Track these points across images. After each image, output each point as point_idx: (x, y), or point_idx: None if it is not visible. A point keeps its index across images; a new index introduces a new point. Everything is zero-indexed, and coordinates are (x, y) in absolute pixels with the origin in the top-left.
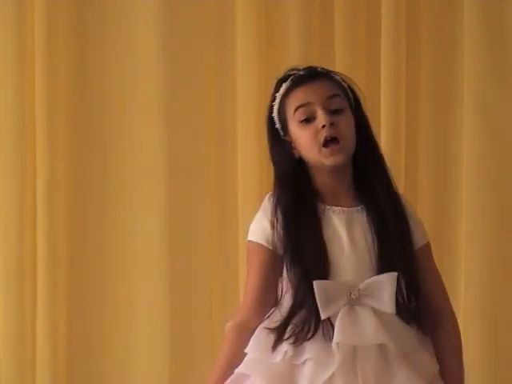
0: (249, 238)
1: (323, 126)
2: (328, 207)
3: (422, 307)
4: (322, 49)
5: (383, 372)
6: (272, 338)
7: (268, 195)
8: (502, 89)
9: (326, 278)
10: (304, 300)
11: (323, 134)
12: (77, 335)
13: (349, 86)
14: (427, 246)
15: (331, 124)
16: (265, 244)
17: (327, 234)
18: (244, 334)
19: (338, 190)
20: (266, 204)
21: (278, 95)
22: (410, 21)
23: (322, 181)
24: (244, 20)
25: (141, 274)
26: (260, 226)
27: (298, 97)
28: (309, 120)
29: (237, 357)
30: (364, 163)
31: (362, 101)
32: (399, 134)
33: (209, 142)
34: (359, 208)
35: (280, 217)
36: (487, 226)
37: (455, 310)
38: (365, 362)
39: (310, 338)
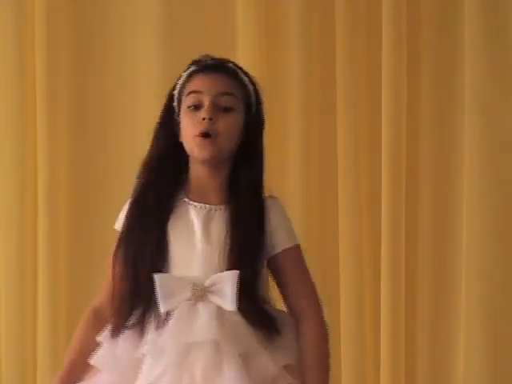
0: (116, 227)
1: (203, 119)
2: (190, 201)
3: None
4: (321, 49)
5: (213, 370)
6: (112, 325)
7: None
8: (502, 89)
9: (164, 269)
10: (133, 290)
11: (201, 127)
12: None
13: (254, 90)
14: (292, 249)
15: (210, 119)
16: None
17: (179, 227)
18: (96, 318)
19: (207, 185)
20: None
21: (184, 75)
22: (411, 21)
23: (194, 171)
24: (244, 20)
25: None
26: (121, 214)
27: (195, 83)
28: (196, 108)
29: (87, 341)
30: (241, 166)
31: (263, 107)
32: (400, 134)
33: None
34: (223, 206)
35: (131, 200)
36: (487, 226)
37: (456, 310)
38: (196, 359)
39: (146, 328)
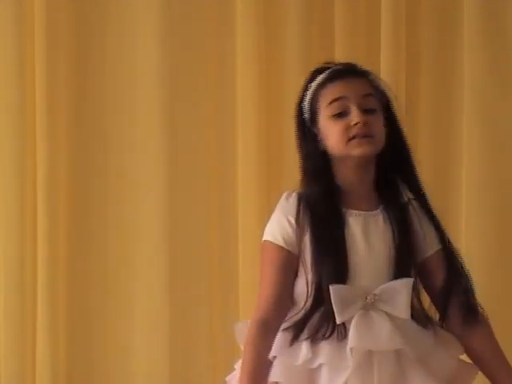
0: (265, 238)
1: (356, 124)
2: (347, 210)
3: (445, 310)
4: (322, 49)
5: (399, 377)
6: (288, 336)
7: (285, 194)
8: (502, 89)
9: (345, 282)
10: (321, 303)
11: (355, 131)
12: (77, 335)
13: (382, 88)
14: (450, 250)
15: (364, 123)
16: (282, 244)
17: (346, 237)
18: (265, 330)
19: (358, 190)
20: (284, 203)
21: (313, 85)
22: (410, 21)
23: (344, 177)
24: (244, 20)
25: (141, 274)
26: (278, 226)
27: (335, 90)
28: (341, 114)
29: (263, 356)
30: (391, 164)
31: (393, 103)
32: None
33: (209, 142)
34: (377, 211)
35: (307, 216)
36: (487, 226)
37: None
38: (381, 367)
39: (325, 339)
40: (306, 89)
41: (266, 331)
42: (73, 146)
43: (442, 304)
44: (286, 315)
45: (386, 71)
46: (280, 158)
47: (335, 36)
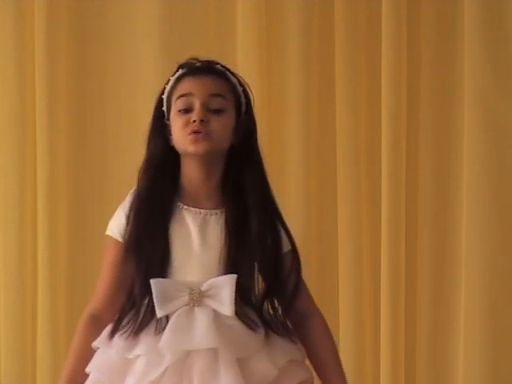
0: (106, 233)
1: (194, 121)
2: (185, 207)
3: (287, 314)
4: (321, 49)
5: (210, 376)
6: (109, 329)
7: (132, 190)
8: (502, 88)
9: (166, 277)
10: (142, 295)
11: (191, 127)
12: None
13: (244, 91)
14: (293, 253)
15: (201, 120)
16: (118, 238)
17: (177, 233)
18: (95, 323)
19: (201, 189)
20: (127, 198)
21: (172, 79)
22: (411, 20)
23: (187, 175)
24: (244, 20)
25: None
26: (116, 220)
27: (185, 86)
28: (187, 111)
29: (87, 346)
30: (239, 164)
31: (253, 107)
32: (400, 134)
33: None
34: (218, 211)
35: (133, 208)
36: (486, 226)
37: (456, 310)
38: (193, 364)
39: (142, 331)
40: (167, 82)
41: (94, 324)
42: (73, 146)
43: (283, 304)
44: (117, 309)
45: (387, 71)
46: (280, 158)
47: (335, 36)
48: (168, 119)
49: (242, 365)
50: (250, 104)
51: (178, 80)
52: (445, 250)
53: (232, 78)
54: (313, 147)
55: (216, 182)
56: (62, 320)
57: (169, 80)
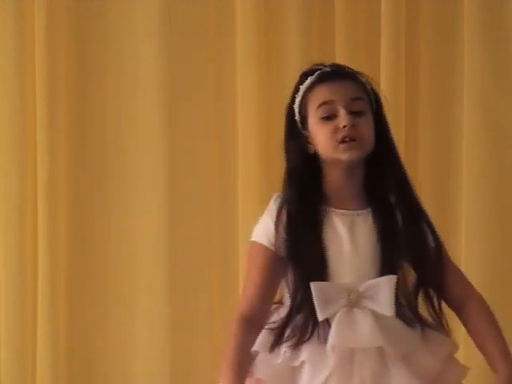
0: (252, 239)
1: (344, 126)
2: (332, 209)
3: (440, 305)
4: (322, 49)
5: (381, 374)
6: (271, 338)
7: (275, 196)
8: (502, 88)
9: (325, 280)
10: (302, 302)
11: (342, 133)
12: (77, 336)
13: (372, 89)
14: (440, 245)
15: (352, 126)
16: (267, 245)
17: (328, 236)
18: (248, 326)
19: (346, 191)
20: (272, 205)
21: (302, 88)
22: (410, 21)
23: (332, 180)
24: (244, 20)
25: (141, 274)
26: (263, 227)
27: (323, 93)
28: (329, 118)
29: (245, 348)
30: (379, 165)
31: (383, 105)
32: (399, 134)
33: (209, 142)
34: (365, 211)
35: (284, 217)
36: (486, 225)
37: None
38: (362, 365)
39: (307, 340)
40: (296, 91)
41: (248, 327)
42: (73, 146)
43: (437, 296)
44: (267, 316)
45: (387, 71)
46: (281, 158)
47: (335, 36)
48: (304, 128)
49: (406, 361)
50: (381, 103)
51: (310, 88)
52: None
53: (361, 78)
54: None
55: (359, 182)
56: (62, 320)
57: (297, 88)
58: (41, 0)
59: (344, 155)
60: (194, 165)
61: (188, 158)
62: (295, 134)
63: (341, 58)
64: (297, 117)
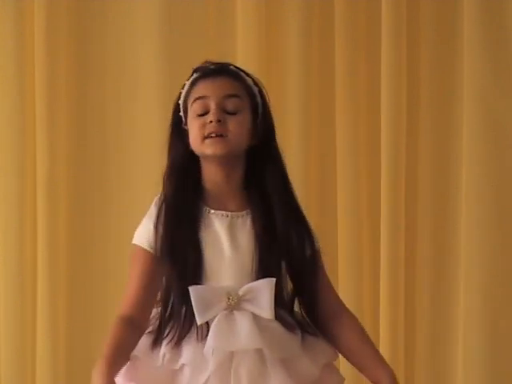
0: (133, 242)
1: (210, 122)
2: (211, 211)
3: (315, 314)
4: (321, 49)
5: (258, 376)
6: (150, 339)
7: (156, 198)
8: (502, 88)
9: (201, 283)
10: (180, 303)
11: (209, 129)
12: (77, 336)
13: (259, 91)
14: (318, 252)
15: (218, 121)
16: (147, 248)
17: (207, 238)
18: (129, 323)
19: (223, 190)
20: (152, 206)
21: (187, 83)
22: (410, 21)
23: (209, 177)
24: (244, 20)
25: None
26: (144, 230)
27: (199, 89)
28: (203, 114)
29: (120, 345)
30: (259, 165)
31: (269, 107)
32: (400, 134)
33: None
34: (244, 212)
35: (162, 217)
36: (486, 225)
37: (455, 310)
38: (239, 367)
39: (186, 341)
40: (183, 86)
41: (129, 324)
42: (73, 146)
43: (310, 304)
44: (148, 317)
45: (387, 71)
46: None
47: (335, 36)
48: (186, 124)
49: (285, 365)
50: (267, 104)
51: (193, 84)
52: (444, 249)
53: (247, 78)
54: (312, 147)
55: (237, 183)
56: (61, 320)
57: (184, 85)
58: (41, 0)
59: (208, 150)
60: None
61: None
62: (179, 130)
63: (341, 58)
64: (181, 112)
